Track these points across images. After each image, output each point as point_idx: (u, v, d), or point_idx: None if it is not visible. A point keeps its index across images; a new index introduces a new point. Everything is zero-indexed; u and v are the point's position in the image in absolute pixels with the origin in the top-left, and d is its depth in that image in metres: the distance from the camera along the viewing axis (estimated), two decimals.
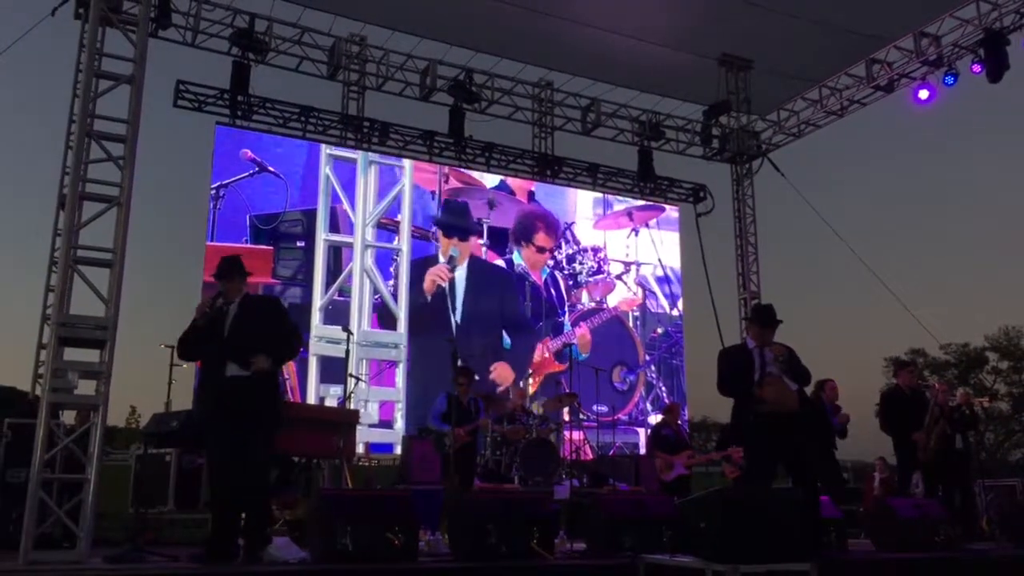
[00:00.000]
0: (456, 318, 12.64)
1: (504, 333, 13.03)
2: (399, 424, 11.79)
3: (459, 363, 7.84)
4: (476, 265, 13.19)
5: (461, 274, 13.01)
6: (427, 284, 12.73)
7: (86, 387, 5.28)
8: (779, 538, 4.95)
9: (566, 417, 10.58)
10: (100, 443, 5.08)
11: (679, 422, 9.73)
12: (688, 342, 15.65)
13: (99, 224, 5.74)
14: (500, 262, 13.52)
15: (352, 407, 8.74)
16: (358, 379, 8.71)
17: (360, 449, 10.11)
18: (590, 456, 11.17)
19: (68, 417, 6.83)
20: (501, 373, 12.92)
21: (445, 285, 12.82)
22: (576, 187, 15.35)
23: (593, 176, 15.41)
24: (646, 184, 15.66)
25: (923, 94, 13.34)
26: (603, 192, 15.52)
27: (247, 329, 5.29)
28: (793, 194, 15.04)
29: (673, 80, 14.48)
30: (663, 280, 14.95)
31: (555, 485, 8.95)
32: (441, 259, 13.08)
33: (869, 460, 14.51)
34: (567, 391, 10.24)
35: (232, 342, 5.25)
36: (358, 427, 9.11)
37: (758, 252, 15.87)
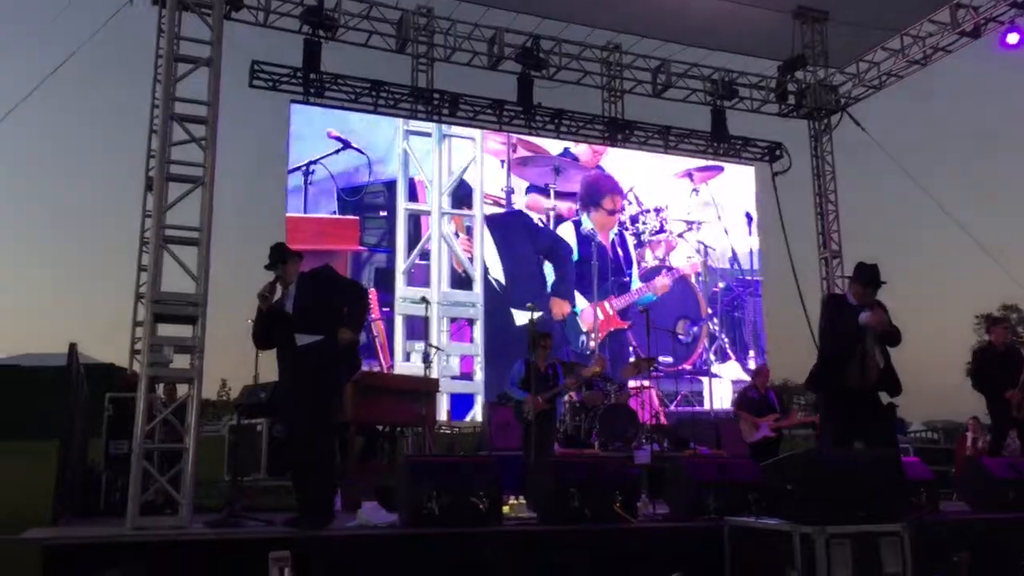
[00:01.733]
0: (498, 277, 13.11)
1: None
2: (479, 376, 12.44)
3: (537, 329, 7.85)
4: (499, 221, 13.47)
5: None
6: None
7: (181, 361, 5.49)
8: (868, 499, 4.88)
9: (645, 383, 10.58)
10: (197, 414, 5.29)
11: (767, 386, 9.59)
12: (767, 304, 15.44)
13: (185, 204, 5.92)
14: (568, 225, 13.74)
15: (433, 375, 8.87)
16: (438, 348, 8.82)
17: (442, 416, 10.28)
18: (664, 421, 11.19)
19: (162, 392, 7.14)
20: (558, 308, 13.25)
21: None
22: (648, 151, 15.17)
23: (665, 138, 15.18)
24: (720, 144, 15.37)
25: (1012, 38, 12.71)
26: (675, 154, 15.31)
27: (309, 303, 5.52)
28: (874, 149, 14.53)
29: (746, 36, 14.11)
30: (724, 237, 15.01)
31: (635, 450, 8.96)
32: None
33: (961, 420, 14.10)
34: (643, 356, 10.21)
35: (298, 318, 5.47)
36: (442, 382, 9.36)
37: (839, 210, 15.46)
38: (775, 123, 15.76)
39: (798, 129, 15.92)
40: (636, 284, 13.87)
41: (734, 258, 14.93)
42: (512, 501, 6.65)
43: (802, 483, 4.96)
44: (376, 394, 7.74)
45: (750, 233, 15.16)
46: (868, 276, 6.07)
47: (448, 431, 11.38)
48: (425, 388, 8.51)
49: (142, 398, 5.23)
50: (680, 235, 14.62)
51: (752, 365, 13.93)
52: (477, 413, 12.39)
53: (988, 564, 4.88)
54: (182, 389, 5.84)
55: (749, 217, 15.27)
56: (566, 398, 9.73)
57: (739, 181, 15.48)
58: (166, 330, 5.64)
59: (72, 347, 5.97)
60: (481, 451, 9.58)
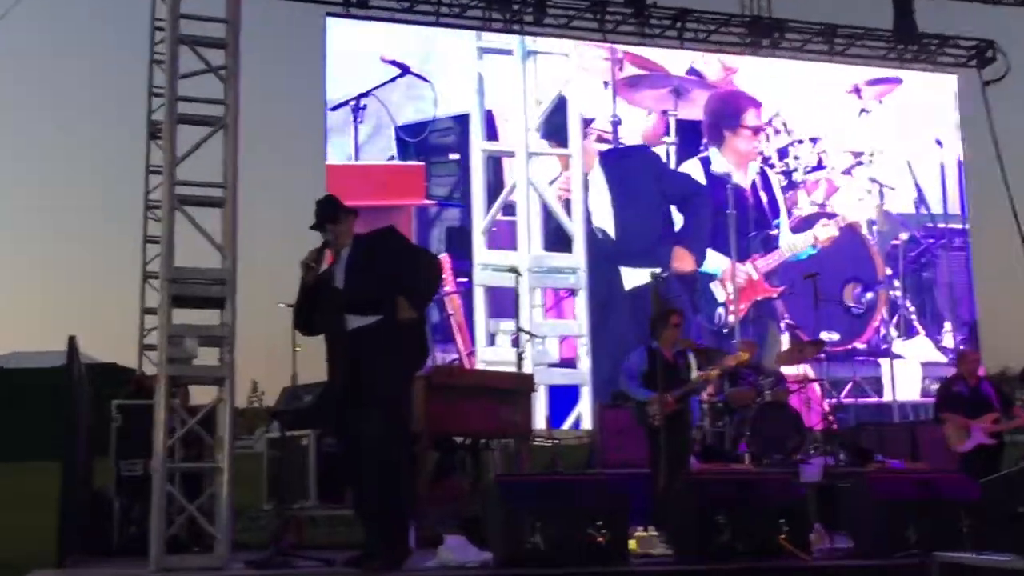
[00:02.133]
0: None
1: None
2: (584, 363, 12.26)
3: (663, 303, 7.80)
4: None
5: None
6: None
7: (206, 356, 5.66)
8: None
9: (809, 373, 10.44)
10: (231, 422, 5.46)
11: (977, 378, 9.35)
12: (976, 261, 14.98)
13: (202, 154, 6.05)
14: (695, 163, 13.48)
15: (527, 371, 8.94)
16: (531, 335, 8.88)
17: (540, 423, 10.37)
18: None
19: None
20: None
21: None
22: (805, 58, 14.90)
23: (829, 41, 14.88)
24: (906, 46, 14.96)
25: None
26: (842, 62, 14.95)
27: (365, 275, 5.53)
28: None
29: None
30: (907, 173, 14.55)
31: (801, 464, 8.87)
32: None
33: None
34: (804, 336, 10.09)
35: (350, 293, 5.52)
36: (537, 372, 9.17)
37: None
38: (984, 13, 15.23)
39: (1016, 20, 15.39)
40: (787, 238, 13.58)
41: (921, 200, 14.50)
42: (639, 533, 6.67)
43: None
44: (454, 395, 7.81)
45: (945, 167, 14.69)
46: None
47: (547, 443, 11.46)
48: (518, 387, 8.56)
49: (162, 405, 5.41)
50: (846, 171, 14.26)
51: (949, 342, 13.66)
52: (584, 416, 12.40)
53: None
54: (201, 393, 6.01)
55: (941, 144, 14.84)
56: (704, 396, 9.67)
57: (929, 95, 15.07)
58: (185, 316, 5.81)
59: (71, 341, 6.19)
60: (592, 467, 9.62)
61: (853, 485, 6.84)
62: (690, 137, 13.66)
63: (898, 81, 14.89)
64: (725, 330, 12.89)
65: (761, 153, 13.86)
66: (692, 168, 13.48)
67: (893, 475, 7.39)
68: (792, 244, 13.40)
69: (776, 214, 13.59)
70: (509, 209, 12.60)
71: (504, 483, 6.24)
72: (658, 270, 7.92)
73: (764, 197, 13.55)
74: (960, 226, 14.61)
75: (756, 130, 13.75)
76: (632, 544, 6.14)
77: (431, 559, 5.60)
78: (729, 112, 13.86)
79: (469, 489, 8.05)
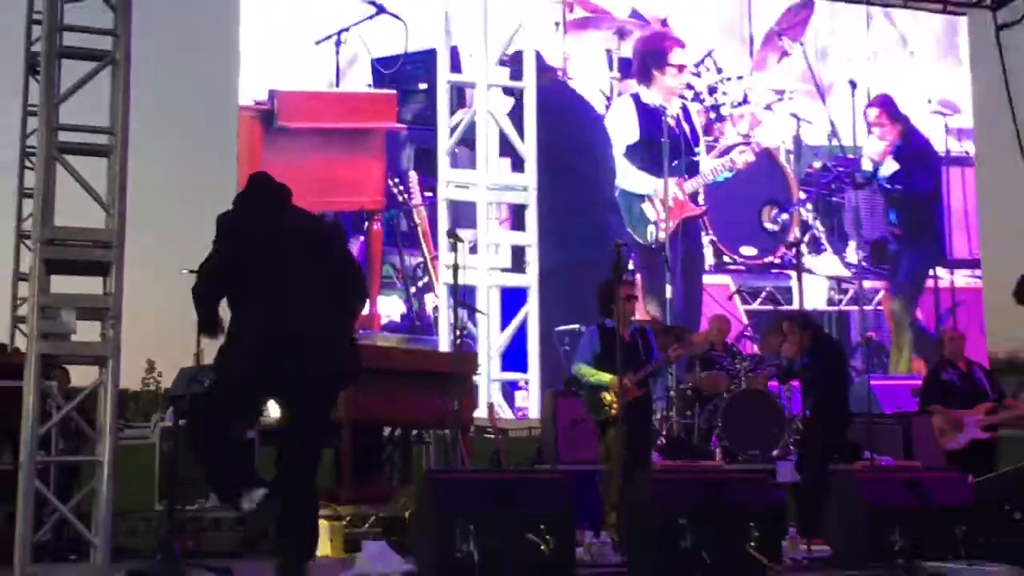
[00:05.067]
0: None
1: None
2: (533, 267, 14.50)
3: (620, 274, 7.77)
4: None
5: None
6: None
7: (87, 332, 5.58)
8: None
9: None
10: (114, 409, 5.38)
11: (967, 362, 9.39)
12: (983, 208, 16.35)
13: (90, 91, 5.95)
14: (627, 99, 15.53)
15: (469, 351, 8.94)
16: (475, 310, 8.88)
17: (481, 412, 10.38)
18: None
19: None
20: None
21: None
22: None
23: None
24: None
25: None
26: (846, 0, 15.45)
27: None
28: None
29: None
30: (818, 98, 16.48)
31: (778, 461, 8.97)
32: None
33: None
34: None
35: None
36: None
37: None
38: None
39: None
40: (707, 163, 15.81)
41: (834, 133, 16.52)
42: (590, 540, 6.72)
43: None
44: (382, 380, 7.78)
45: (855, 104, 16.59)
46: None
47: (490, 434, 11.46)
48: (458, 370, 8.48)
49: (32, 387, 5.32)
50: (768, 107, 16.19)
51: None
52: (533, 406, 12.83)
53: None
54: (83, 374, 5.94)
55: (854, 85, 16.53)
56: (669, 384, 9.75)
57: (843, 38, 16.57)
58: (63, 285, 5.74)
59: None
60: (541, 463, 9.65)
61: (836, 486, 6.93)
62: (628, 73, 15.64)
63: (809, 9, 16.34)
64: (654, 246, 14.84)
65: (693, 88, 15.83)
66: (624, 104, 15.54)
67: (879, 474, 7.48)
68: (712, 168, 15.71)
69: (697, 142, 15.71)
70: (470, 132, 14.74)
71: (437, 481, 6.24)
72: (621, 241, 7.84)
73: (687, 128, 15.66)
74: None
75: (680, 68, 15.69)
76: (582, 552, 6.19)
77: (347, 570, 5.60)
78: (656, 52, 15.66)
79: (396, 488, 8.06)
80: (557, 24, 15.30)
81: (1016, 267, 6.90)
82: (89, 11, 6.01)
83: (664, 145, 15.25)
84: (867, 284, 15.90)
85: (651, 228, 15.20)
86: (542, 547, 5.36)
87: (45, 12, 5.92)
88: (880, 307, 15.83)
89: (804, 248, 15.36)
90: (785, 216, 16.02)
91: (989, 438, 8.91)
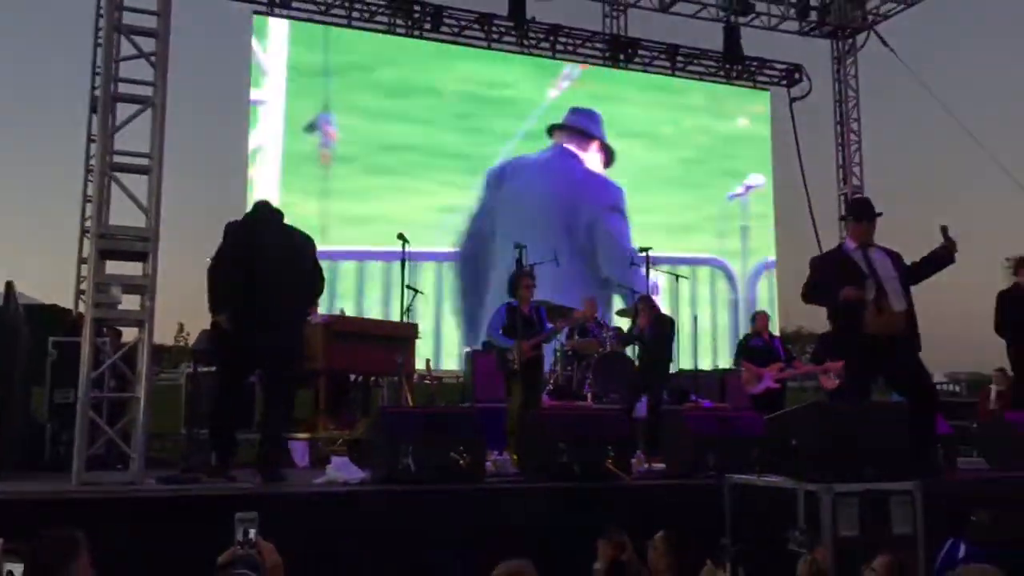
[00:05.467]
0: None
1: None
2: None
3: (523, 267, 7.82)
4: None
5: None
6: None
7: (130, 303, 5.48)
8: (879, 456, 4.94)
9: None
10: (148, 360, 5.29)
11: (769, 333, 9.63)
12: (781, 244, 15.51)
13: (135, 128, 5.85)
14: None
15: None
16: (416, 291, 8.83)
17: (420, 365, 10.35)
18: None
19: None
20: None
21: None
22: (653, 72, 15.06)
23: (672, 60, 15.04)
24: (732, 66, 15.24)
25: None
26: (683, 77, 15.17)
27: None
28: (903, 74, 14.43)
29: None
30: None
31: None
32: None
33: (986, 372, 14.25)
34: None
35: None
36: None
37: (861, 141, 15.40)
38: (795, 43, 15.61)
39: (819, 50, 15.81)
40: None
41: None
42: (496, 457, 6.73)
43: (808, 438, 5.02)
44: (349, 340, 7.78)
45: None
46: (860, 209, 6.13)
47: (428, 382, 11.44)
48: (404, 333, 8.53)
49: (87, 342, 5.22)
50: None
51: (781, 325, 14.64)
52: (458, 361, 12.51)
53: (1007, 525, 4.98)
54: (128, 334, 5.83)
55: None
56: (556, 346, 9.78)
57: None
58: (115, 268, 5.63)
59: (9, 285, 5.95)
60: (464, 403, 9.66)
61: (670, 420, 7.02)
62: None
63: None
64: None
65: None
66: None
67: (701, 413, 7.59)
68: None
69: None
70: None
71: (386, 414, 6.23)
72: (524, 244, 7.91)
73: None
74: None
75: None
76: (489, 465, 6.20)
77: (320, 476, 5.56)
78: None
79: (359, 418, 8.01)
80: None
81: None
82: (135, 66, 5.92)
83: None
84: None
85: None
86: (461, 461, 5.35)
87: (103, 66, 5.86)
88: None
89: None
90: None
91: (779, 387, 9.18)
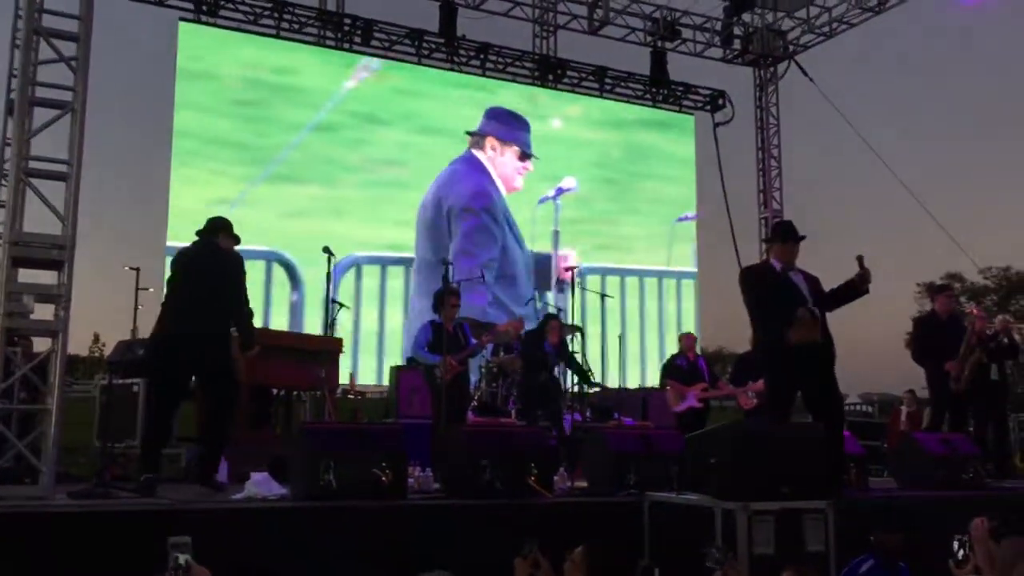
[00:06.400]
0: None
1: None
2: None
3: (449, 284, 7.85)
4: None
5: None
6: None
7: (43, 312, 5.32)
8: (794, 475, 5.08)
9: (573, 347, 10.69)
10: (61, 371, 5.15)
11: (695, 354, 9.81)
12: (702, 264, 15.83)
13: (52, 133, 5.71)
14: None
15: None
16: (341, 305, 8.76)
17: (344, 380, 10.25)
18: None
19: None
20: None
21: None
22: (581, 93, 15.26)
23: (600, 81, 15.26)
24: (659, 90, 15.53)
25: None
26: (611, 99, 15.39)
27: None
28: (821, 103, 14.94)
29: None
30: None
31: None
32: None
33: (897, 393, 14.73)
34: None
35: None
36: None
37: (781, 167, 15.82)
38: (719, 69, 16.00)
39: (742, 78, 16.21)
40: None
41: None
42: (418, 473, 6.70)
43: (727, 457, 5.13)
44: (272, 354, 7.64)
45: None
46: (785, 231, 6.30)
47: (352, 396, 11.35)
48: (328, 347, 8.44)
49: None
50: None
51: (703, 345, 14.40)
52: (384, 376, 12.36)
53: (916, 544, 5.14)
54: (40, 344, 5.67)
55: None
56: (481, 363, 9.78)
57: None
58: (28, 276, 5.47)
59: None
60: (388, 419, 9.59)
61: (592, 438, 7.07)
62: None
63: None
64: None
65: None
66: None
67: (623, 431, 7.65)
68: None
69: None
70: None
71: (307, 429, 6.14)
72: (448, 259, 7.95)
73: None
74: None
75: None
76: (412, 482, 6.17)
77: (238, 492, 5.46)
78: None
79: (280, 435, 7.89)
80: None
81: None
82: (54, 70, 5.79)
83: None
84: None
85: None
86: (383, 477, 5.32)
87: (21, 69, 5.71)
88: None
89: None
90: None
91: (702, 407, 9.35)
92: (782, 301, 6.05)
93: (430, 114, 14.24)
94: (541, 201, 14.72)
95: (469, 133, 14.19)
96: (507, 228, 14.11)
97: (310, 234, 11.40)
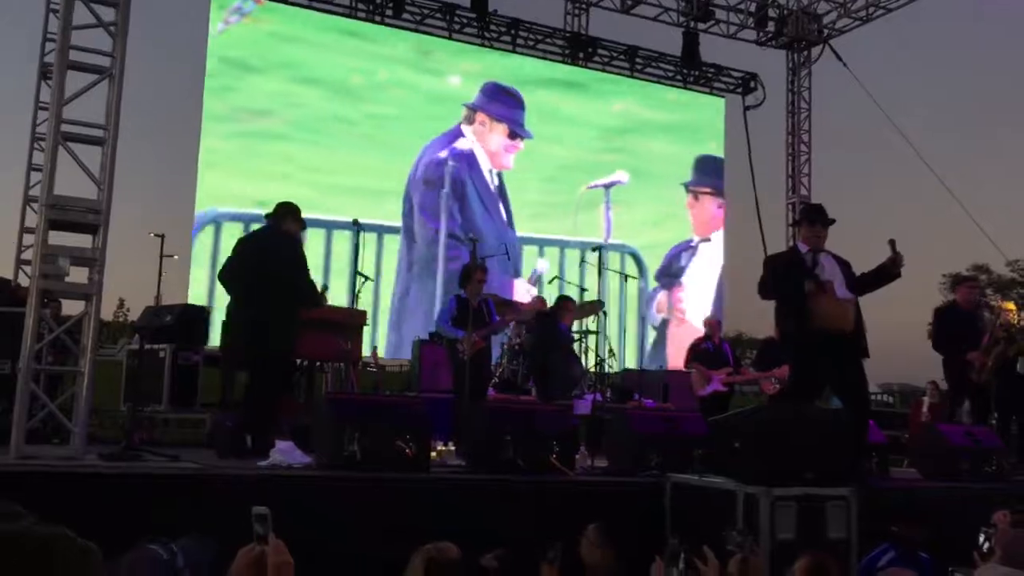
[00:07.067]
0: None
1: None
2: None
3: (476, 260, 7.87)
4: None
5: None
6: None
7: (76, 275, 5.38)
8: (817, 462, 5.08)
9: (591, 326, 10.72)
10: (95, 334, 5.22)
11: (720, 338, 9.82)
12: (728, 249, 15.74)
13: (88, 97, 5.74)
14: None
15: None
16: (367, 278, 8.79)
17: (366, 353, 10.29)
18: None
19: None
20: None
21: None
22: (611, 72, 15.17)
23: (631, 61, 15.17)
24: (690, 72, 15.41)
25: None
26: (642, 79, 15.29)
27: None
28: (855, 89, 14.77)
29: None
30: None
31: (576, 399, 9.11)
32: None
33: (919, 384, 14.66)
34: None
35: None
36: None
37: (811, 152, 15.71)
38: (751, 52, 15.86)
39: (775, 61, 16.07)
40: None
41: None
42: (441, 447, 6.75)
43: (750, 441, 5.14)
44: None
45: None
46: (815, 214, 6.26)
47: (373, 369, 11.41)
48: (352, 320, 8.49)
49: (32, 312, 5.12)
50: None
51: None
52: (406, 351, 12.37)
53: (938, 535, 5.14)
54: (69, 307, 5.74)
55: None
56: (503, 340, 9.82)
57: None
58: (60, 239, 5.52)
59: None
60: (410, 392, 9.64)
61: (614, 418, 7.10)
62: None
63: None
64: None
65: None
66: None
67: (645, 412, 7.68)
68: None
69: None
70: None
71: (332, 400, 6.21)
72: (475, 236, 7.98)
73: None
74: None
75: None
76: (434, 455, 6.22)
77: (264, 459, 5.53)
78: None
79: (304, 405, 7.96)
80: None
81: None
82: (89, 34, 5.81)
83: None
84: None
85: None
86: (407, 450, 5.37)
87: (59, 33, 5.72)
88: None
89: None
90: None
91: (726, 391, 9.38)
92: (800, 276, 6.01)
93: (305, 62, 13.15)
94: (591, 187, 14.48)
95: (465, 105, 13.96)
96: (481, 204, 13.70)
97: None
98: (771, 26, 15.46)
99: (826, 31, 15.49)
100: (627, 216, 14.79)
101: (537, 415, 6.26)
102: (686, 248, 15.32)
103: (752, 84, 15.57)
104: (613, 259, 14.07)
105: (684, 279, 15.05)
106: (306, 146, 12.90)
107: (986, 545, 3.82)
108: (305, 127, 13.02)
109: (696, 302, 15.02)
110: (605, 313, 10.88)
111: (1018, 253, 33.96)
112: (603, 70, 15.16)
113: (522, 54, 14.55)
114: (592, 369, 10.17)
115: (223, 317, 6.66)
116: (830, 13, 15.45)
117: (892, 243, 6.12)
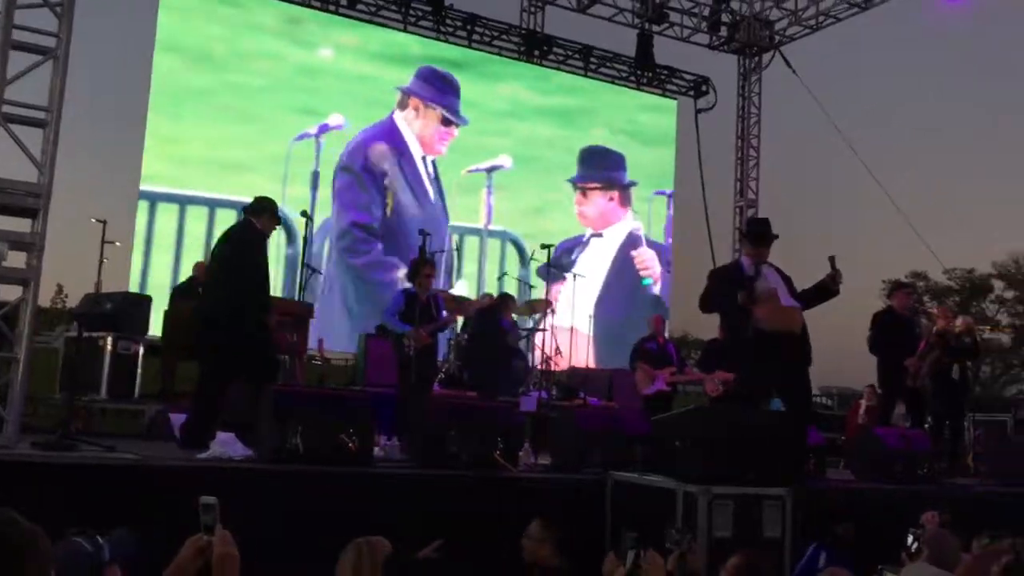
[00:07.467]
0: None
1: None
2: None
3: (425, 254, 7.84)
4: None
5: None
6: None
7: (15, 260, 5.27)
8: (755, 462, 5.18)
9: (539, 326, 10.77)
10: (32, 321, 5.12)
11: (664, 338, 9.87)
12: (676, 250, 15.93)
13: (27, 78, 5.62)
14: None
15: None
16: (314, 270, 8.72)
17: (312, 345, 10.22)
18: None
19: None
20: None
21: None
22: (566, 71, 15.23)
23: (585, 60, 15.24)
24: (643, 73, 15.54)
25: None
26: (595, 78, 15.37)
27: None
28: (803, 95, 15.03)
29: None
30: None
31: (521, 396, 9.15)
32: None
33: (857, 388, 14.96)
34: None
35: None
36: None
37: (759, 157, 15.93)
38: (704, 56, 16.04)
39: (726, 65, 16.27)
40: None
41: None
42: (385, 442, 6.73)
43: (691, 440, 5.22)
44: None
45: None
46: (757, 231, 6.35)
47: (319, 361, 11.33)
48: (298, 312, 8.41)
49: None
50: None
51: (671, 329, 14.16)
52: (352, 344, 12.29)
53: (870, 536, 5.27)
54: (7, 292, 5.62)
55: None
56: (450, 336, 9.82)
57: None
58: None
59: None
60: (355, 386, 9.59)
61: (558, 416, 7.15)
62: None
63: None
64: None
65: None
66: None
67: (589, 410, 7.74)
68: None
69: None
70: None
71: (275, 392, 6.14)
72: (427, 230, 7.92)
73: None
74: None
75: None
76: (377, 450, 6.20)
77: (204, 451, 5.47)
78: None
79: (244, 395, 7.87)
80: None
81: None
82: (36, 14, 5.70)
83: None
84: None
85: None
86: (349, 444, 5.35)
87: (2, 11, 5.58)
88: None
89: None
90: None
91: (670, 390, 9.44)
92: (741, 286, 6.10)
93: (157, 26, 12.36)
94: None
95: (398, 89, 13.65)
96: (411, 192, 13.47)
97: None
98: (724, 31, 15.64)
99: (777, 38, 15.73)
100: (509, 203, 14.40)
101: (481, 411, 6.28)
102: (578, 244, 14.90)
103: (704, 88, 15.76)
104: (493, 245, 14.02)
105: (568, 274, 14.39)
106: (160, 117, 12.30)
107: (914, 545, 3.93)
108: (165, 94, 12.38)
109: (580, 298, 13.62)
110: (553, 311, 10.95)
111: (955, 261, 34.84)
112: (558, 68, 15.21)
113: (478, 51, 14.53)
114: (539, 367, 10.22)
115: (164, 307, 6.57)
116: (781, 20, 15.69)
117: (832, 260, 6.21)
